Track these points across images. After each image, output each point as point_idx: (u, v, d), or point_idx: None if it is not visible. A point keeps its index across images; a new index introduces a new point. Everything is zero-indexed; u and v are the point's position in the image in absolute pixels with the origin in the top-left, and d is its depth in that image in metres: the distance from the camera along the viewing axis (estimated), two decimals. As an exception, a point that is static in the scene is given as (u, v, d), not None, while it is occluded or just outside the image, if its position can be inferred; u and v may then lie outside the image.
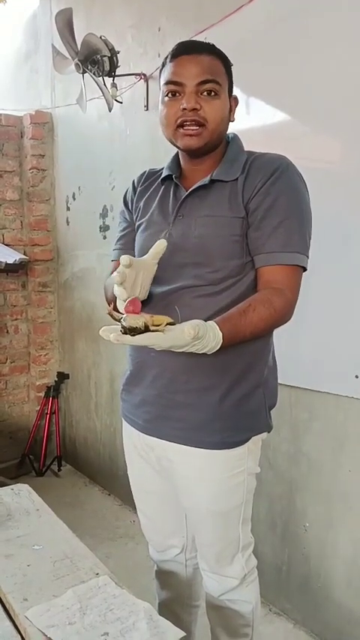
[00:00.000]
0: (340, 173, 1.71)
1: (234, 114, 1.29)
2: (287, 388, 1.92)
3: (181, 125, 1.21)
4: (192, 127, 1.20)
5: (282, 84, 1.85)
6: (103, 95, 2.40)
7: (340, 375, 1.74)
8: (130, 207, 1.45)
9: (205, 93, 1.19)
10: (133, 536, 2.54)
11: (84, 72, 2.40)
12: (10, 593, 1.08)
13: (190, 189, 1.27)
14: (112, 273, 1.36)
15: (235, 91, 1.82)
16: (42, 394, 3.56)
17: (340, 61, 1.66)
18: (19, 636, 0.98)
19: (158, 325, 0.96)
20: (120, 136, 2.78)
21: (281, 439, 1.98)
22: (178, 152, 1.35)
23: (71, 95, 2.87)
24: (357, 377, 1.69)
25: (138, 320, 0.95)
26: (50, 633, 0.95)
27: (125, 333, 0.95)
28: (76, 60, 2.38)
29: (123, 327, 0.95)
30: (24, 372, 3.62)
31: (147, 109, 2.53)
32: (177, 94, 1.20)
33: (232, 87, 1.27)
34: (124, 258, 1.04)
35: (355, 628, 1.78)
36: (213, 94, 1.19)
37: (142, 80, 2.53)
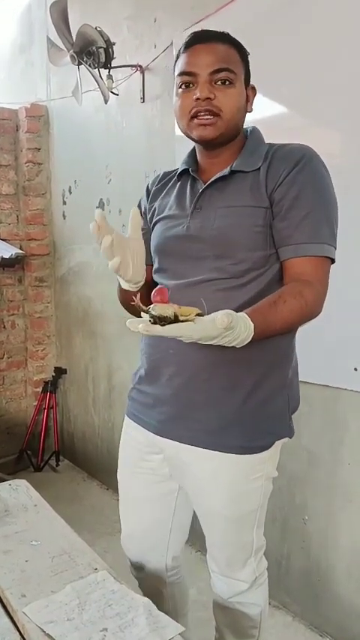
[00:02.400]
0: (341, 165, 1.69)
1: (252, 104, 1.24)
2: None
3: (195, 116, 1.16)
4: (206, 117, 1.15)
5: (280, 75, 1.82)
6: (99, 87, 2.37)
7: (339, 367, 1.73)
8: (143, 213, 1.39)
9: (219, 82, 1.14)
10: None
11: (79, 64, 2.37)
12: (8, 589, 1.07)
13: (209, 181, 1.22)
14: None
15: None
16: (39, 389, 3.55)
17: (340, 52, 1.64)
18: (18, 633, 0.98)
19: (187, 316, 0.92)
20: (116, 128, 2.76)
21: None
22: (194, 147, 1.31)
23: (67, 87, 2.85)
24: (356, 370, 1.68)
25: (167, 309, 0.90)
26: (49, 629, 0.94)
27: (155, 323, 0.90)
28: (71, 52, 2.36)
29: (152, 316, 0.90)
30: (21, 368, 3.60)
31: (143, 101, 2.51)
32: (190, 85, 1.16)
33: (249, 76, 1.22)
34: (98, 211, 0.99)
35: (355, 621, 1.77)
36: (228, 82, 1.15)
37: (138, 72, 2.50)
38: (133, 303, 0.95)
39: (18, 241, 3.47)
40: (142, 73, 2.49)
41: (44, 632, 0.94)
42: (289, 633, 1.93)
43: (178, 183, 1.31)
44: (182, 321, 0.91)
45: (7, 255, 3.19)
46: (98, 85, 2.37)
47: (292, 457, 1.94)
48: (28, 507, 1.41)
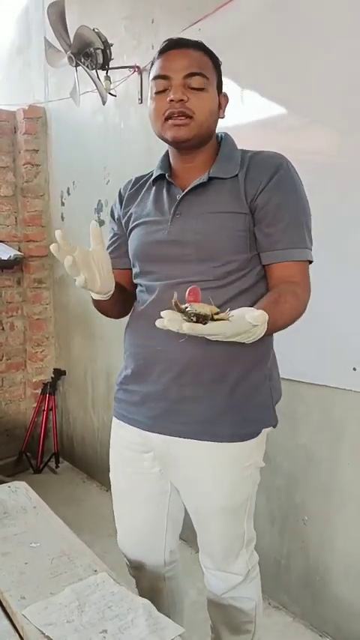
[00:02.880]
0: (337, 165, 1.69)
1: (224, 111, 1.28)
2: (285, 381, 1.88)
3: (169, 117, 1.20)
4: (179, 118, 1.19)
5: (277, 75, 1.83)
6: (97, 88, 2.38)
7: (338, 368, 1.73)
8: (116, 218, 1.43)
9: (192, 86, 1.18)
10: (131, 532, 2.54)
11: (77, 65, 2.37)
12: (7, 592, 1.07)
13: (188, 188, 1.25)
14: None
15: (230, 84, 1.80)
16: (38, 391, 3.55)
17: (337, 51, 1.64)
18: (17, 635, 0.98)
19: (217, 314, 0.94)
20: (114, 129, 2.76)
21: (279, 432, 1.95)
22: (167, 152, 1.34)
23: (65, 89, 2.84)
24: (355, 370, 1.68)
25: (204, 308, 0.93)
26: (48, 631, 0.94)
27: (197, 321, 0.91)
28: (69, 53, 2.36)
29: (195, 314, 0.92)
30: (20, 369, 3.60)
31: (141, 102, 2.51)
32: (165, 90, 1.20)
33: (221, 84, 1.27)
34: (57, 232, 1.05)
35: (354, 621, 1.77)
36: (201, 87, 1.19)
37: (135, 72, 2.51)
38: (173, 301, 0.95)
39: (16, 243, 3.47)
40: (140, 73, 2.49)
41: (44, 634, 0.94)
42: (288, 633, 1.93)
43: (153, 188, 1.34)
44: (217, 320, 0.93)
45: (5, 257, 3.18)
46: (96, 86, 2.37)
47: (290, 457, 1.94)
48: (27, 509, 1.41)
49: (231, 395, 1.24)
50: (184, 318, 0.92)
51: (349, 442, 1.75)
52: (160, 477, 1.40)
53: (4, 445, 3.49)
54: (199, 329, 0.91)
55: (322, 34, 1.68)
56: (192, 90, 1.18)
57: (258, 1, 1.86)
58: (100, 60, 2.35)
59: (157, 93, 1.21)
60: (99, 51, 2.34)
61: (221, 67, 1.27)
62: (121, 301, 1.34)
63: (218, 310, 0.94)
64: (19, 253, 3.32)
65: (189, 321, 0.91)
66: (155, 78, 1.21)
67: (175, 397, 1.26)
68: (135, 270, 1.35)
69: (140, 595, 1.55)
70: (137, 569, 1.50)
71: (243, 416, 1.26)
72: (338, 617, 1.83)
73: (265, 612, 2.00)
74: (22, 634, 0.97)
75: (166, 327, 0.91)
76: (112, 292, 1.22)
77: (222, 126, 1.26)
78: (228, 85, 1.96)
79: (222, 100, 1.27)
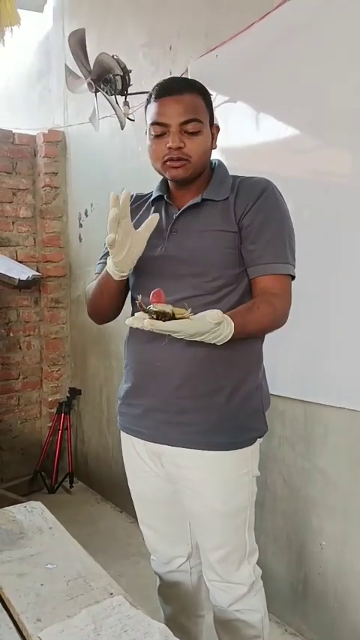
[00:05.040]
0: (352, 186, 1.70)
1: (216, 141, 1.40)
2: (302, 403, 1.89)
3: (167, 160, 1.31)
4: (177, 162, 1.31)
5: (292, 98, 1.85)
6: (116, 113, 2.42)
7: (356, 390, 1.72)
8: None
9: (188, 131, 1.29)
10: (145, 555, 2.48)
11: (96, 91, 2.42)
12: (23, 613, 1.06)
13: (183, 208, 1.37)
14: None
15: (245, 107, 1.83)
16: (54, 410, 3.56)
17: (352, 75, 1.66)
18: (33, 657, 0.97)
19: (182, 314, 1.06)
20: (132, 153, 2.80)
21: (296, 455, 1.95)
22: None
23: (84, 113, 2.90)
24: (373, 392, 1.67)
25: (166, 307, 1.05)
26: (64, 655, 0.94)
27: (158, 318, 1.03)
28: (88, 79, 2.41)
29: (155, 312, 1.04)
30: (36, 388, 3.62)
31: (158, 126, 2.55)
32: (163, 134, 1.31)
33: (212, 117, 1.38)
34: (126, 192, 1.15)
35: (374, 650, 1.73)
36: (195, 131, 1.30)
37: (153, 98, 2.55)
38: (137, 302, 1.10)
39: (35, 263, 3.52)
40: (158, 99, 2.53)
41: (59, 657, 0.93)
42: (306, 662, 1.89)
43: (152, 208, 1.44)
44: (179, 319, 1.05)
45: (24, 277, 3.22)
46: (115, 111, 2.41)
47: (308, 480, 1.91)
48: (43, 530, 1.41)
49: (227, 405, 1.33)
50: (148, 316, 1.04)
51: (367, 465, 1.73)
52: (170, 478, 1.45)
53: (20, 464, 3.49)
54: (158, 325, 1.03)
55: (336, 58, 1.70)
56: (188, 135, 1.29)
57: (273, 28, 1.89)
58: (119, 86, 2.40)
59: (155, 137, 1.32)
60: (118, 77, 2.38)
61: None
62: (117, 297, 1.42)
63: (183, 311, 1.06)
64: (37, 273, 3.36)
65: (151, 319, 1.03)
66: (153, 124, 1.31)
67: (175, 409, 1.34)
68: (132, 283, 1.44)
69: (164, 597, 1.62)
70: (165, 565, 1.59)
71: (239, 424, 1.35)
72: (357, 646, 1.79)
73: (281, 638, 1.97)
74: (37, 657, 0.97)
75: (133, 324, 1.06)
76: (124, 276, 1.30)
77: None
78: (243, 108, 2.00)
79: (214, 131, 1.38)
